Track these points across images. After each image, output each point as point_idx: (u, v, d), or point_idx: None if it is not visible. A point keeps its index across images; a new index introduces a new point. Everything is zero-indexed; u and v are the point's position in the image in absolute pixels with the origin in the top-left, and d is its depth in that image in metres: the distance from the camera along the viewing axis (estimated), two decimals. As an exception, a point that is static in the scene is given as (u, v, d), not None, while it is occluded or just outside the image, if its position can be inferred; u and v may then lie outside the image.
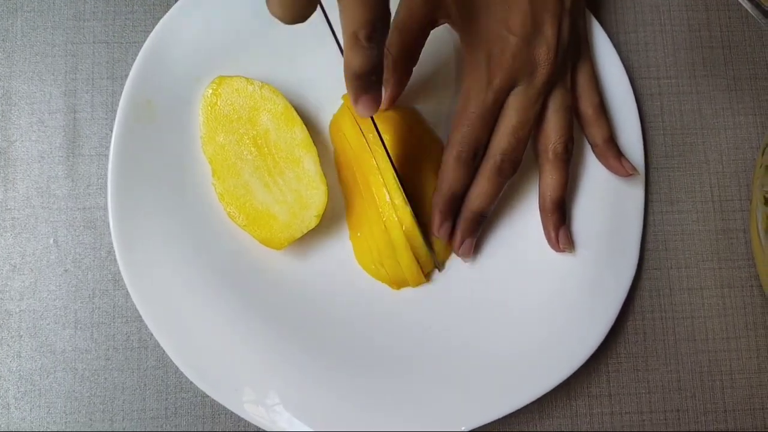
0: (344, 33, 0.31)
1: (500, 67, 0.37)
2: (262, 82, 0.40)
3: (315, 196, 0.39)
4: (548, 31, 0.38)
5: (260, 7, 0.41)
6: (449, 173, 0.39)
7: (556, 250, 0.40)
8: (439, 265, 0.40)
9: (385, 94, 0.40)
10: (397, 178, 0.38)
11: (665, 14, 0.45)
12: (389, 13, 0.31)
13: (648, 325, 0.42)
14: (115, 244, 0.39)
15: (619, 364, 0.41)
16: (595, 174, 0.41)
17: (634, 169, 0.40)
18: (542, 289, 0.40)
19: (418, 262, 0.39)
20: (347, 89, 0.34)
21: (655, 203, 0.43)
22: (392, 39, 0.38)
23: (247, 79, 0.40)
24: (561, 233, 0.40)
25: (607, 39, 0.42)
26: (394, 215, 0.39)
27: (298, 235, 0.38)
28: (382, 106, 0.40)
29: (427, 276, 0.40)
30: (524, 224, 0.41)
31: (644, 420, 0.41)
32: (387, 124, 0.40)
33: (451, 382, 0.39)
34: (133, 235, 0.39)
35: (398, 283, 0.40)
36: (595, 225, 0.41)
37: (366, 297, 0.40)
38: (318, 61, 0.42)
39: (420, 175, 0.40)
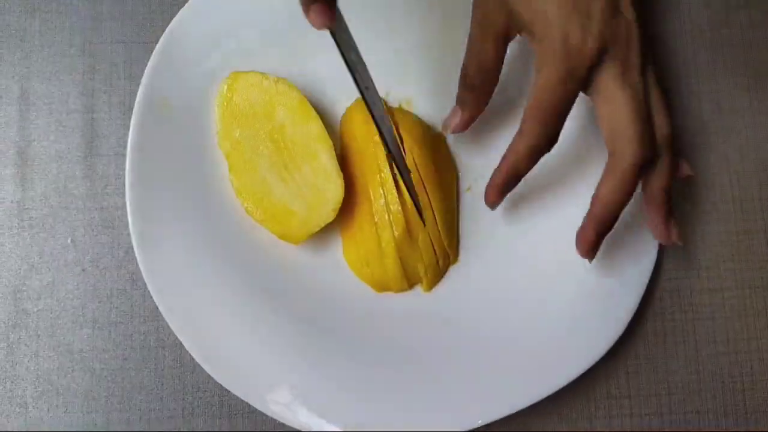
0: (521, 141, 0.35)
1: (579, 56, 0.35)
2: (277, 77, 0.40)
3: (331, 189, 0.38)
4: (627, 12, 0.35)
5: (275, 1, 0.41)
6: (517, 158, 0.36)
7: (667, 244, 0.38)
8: (425, 285, 0.40)
9: (462, 115, 0.38)
10: (403, 186, 0.38)
11: (685, 13, 0.44)
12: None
13: (668, 326, 0.41)
14: (133, 241, 0.38)
15: (638, 365, 0.41)
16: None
17: (679, 237, 0.37)
18: (562, 288, 0.40)
19: (405, 269, 0.39)
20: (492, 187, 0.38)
21: (675, 203, 0.42)
22: (468, 61, 0.37)
23: (262, 74, 0.40)
24: (672, 224, 0.37)
25: None
26: (387, 218, 0.39)
27: (316, 229, 0.38)
28: (458, 127, 0.39)
29: (411, 285, 0.40)
30: (545, 223, 0.41)
31: (664, 422, 0.40)
32: (412, 136, 0.39)
33: (469, 378, 0.39)
34: (151, 232, 0.39)
35: (381, 286, 0.40)
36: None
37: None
38: (333, 55, 0.42)
39: (428, 195, 0.39)
